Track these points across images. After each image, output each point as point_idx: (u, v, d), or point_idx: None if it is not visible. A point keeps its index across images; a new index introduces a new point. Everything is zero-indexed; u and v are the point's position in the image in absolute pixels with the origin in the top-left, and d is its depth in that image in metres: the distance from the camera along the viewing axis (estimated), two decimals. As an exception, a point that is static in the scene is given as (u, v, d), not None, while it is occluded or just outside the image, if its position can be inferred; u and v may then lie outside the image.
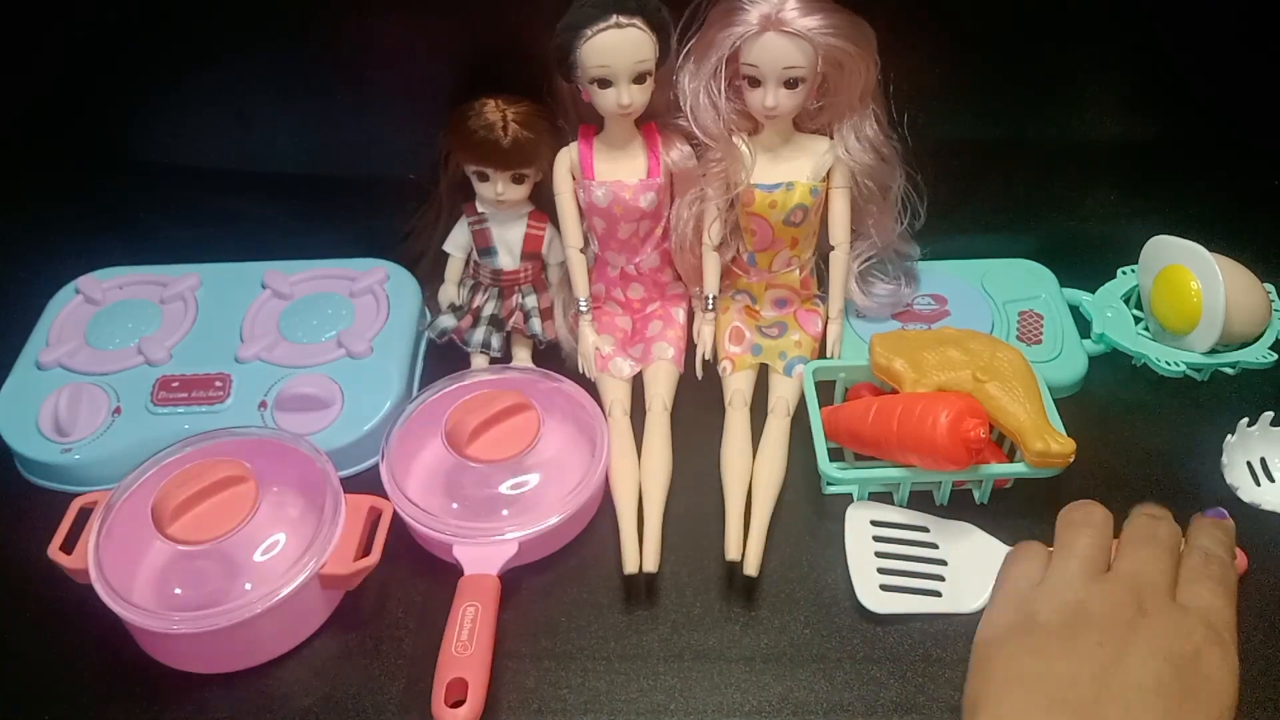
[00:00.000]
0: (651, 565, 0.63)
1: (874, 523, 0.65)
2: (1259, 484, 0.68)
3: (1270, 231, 0.82)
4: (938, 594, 0.62)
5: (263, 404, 0.70)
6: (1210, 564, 0.52)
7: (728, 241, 0.75)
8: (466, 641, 0.57)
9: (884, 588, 0.62)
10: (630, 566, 0.62)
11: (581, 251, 0.74)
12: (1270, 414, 0.68)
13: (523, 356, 0.77)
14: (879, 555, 0.63)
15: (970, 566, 0.62)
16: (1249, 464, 0.69)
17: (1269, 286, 0.75)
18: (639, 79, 0.67)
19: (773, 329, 0.76)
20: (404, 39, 0.77)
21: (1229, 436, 0.68)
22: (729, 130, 0.70)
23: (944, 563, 0.63)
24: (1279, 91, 0.80)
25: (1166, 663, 0.47)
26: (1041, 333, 0.75)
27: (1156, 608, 0.49)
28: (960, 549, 0.64)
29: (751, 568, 0.62)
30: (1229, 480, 0.67)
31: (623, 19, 0.64)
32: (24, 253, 0.85)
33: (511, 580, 0.63)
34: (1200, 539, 0.53)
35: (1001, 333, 0.75)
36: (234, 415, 0.70)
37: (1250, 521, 0.65)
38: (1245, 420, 0.68)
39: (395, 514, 0.63)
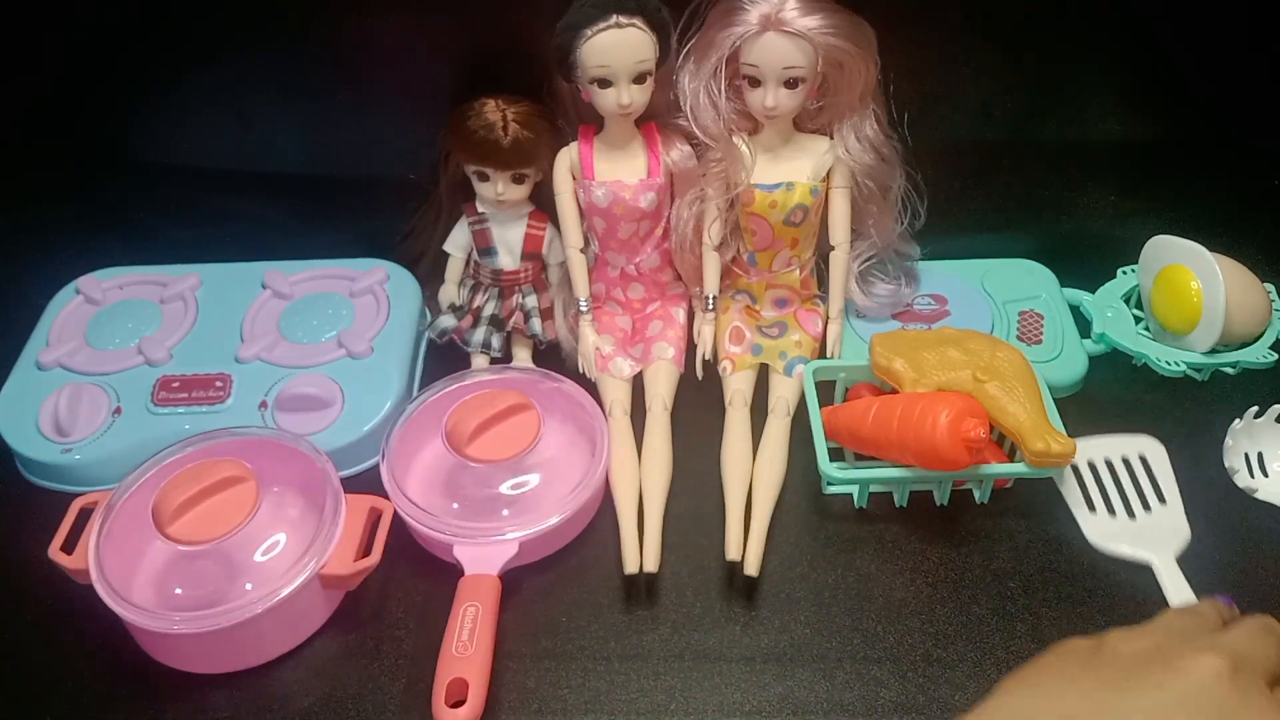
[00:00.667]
0: (652, 565, 0.63)
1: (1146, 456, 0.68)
2: (1253, 475, 0.68)
3: (1270, 231, 0.82)
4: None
5: (263, 404, 0.70)
6: None
7: (728, 241, 0.75)
8: (467, 641, 0.57)
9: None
10: (630, 566, 0.62)
11: (582, 251, 0.74)
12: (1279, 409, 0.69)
13: (523, 356, 0.77)
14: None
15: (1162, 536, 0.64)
16: (1246, 455, 0.69)
17: (1269, 286, 0.75)
18: (639, 79, 0.67)
19: (773, 329, 0.76)
20: (404, 39, 0.77)
21: (1236, 420, 0.68)
22: (729, 130, 0.70)
23: (1146, 507, 0.66)
24: (1279, 91, 0.80)
25: None
26: (1041, 333, 0.75)
27: (1248, 685, 0.43)
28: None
29: (751, 568, 0.62)
30: (1227, 463, 0.68)
31: (623, 19, 0.64)
32: (24, 253, 0.85)
33: (512, 580, 0.63)
34: None
35: (1001, 333, 0.75)
36: (234, 415, 0.70)
37: (1243, 508, 0.66)
38: (1254, 409, 0.69)
39: (395, 514, 0.63)
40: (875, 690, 0.58)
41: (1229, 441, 0.68)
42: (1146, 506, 0.66)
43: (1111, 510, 0.66)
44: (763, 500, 0.66)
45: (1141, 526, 0.65)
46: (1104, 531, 0.65)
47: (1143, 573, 0.63)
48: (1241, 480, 0.67)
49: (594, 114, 0.70)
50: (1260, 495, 0.67)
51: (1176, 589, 0.61)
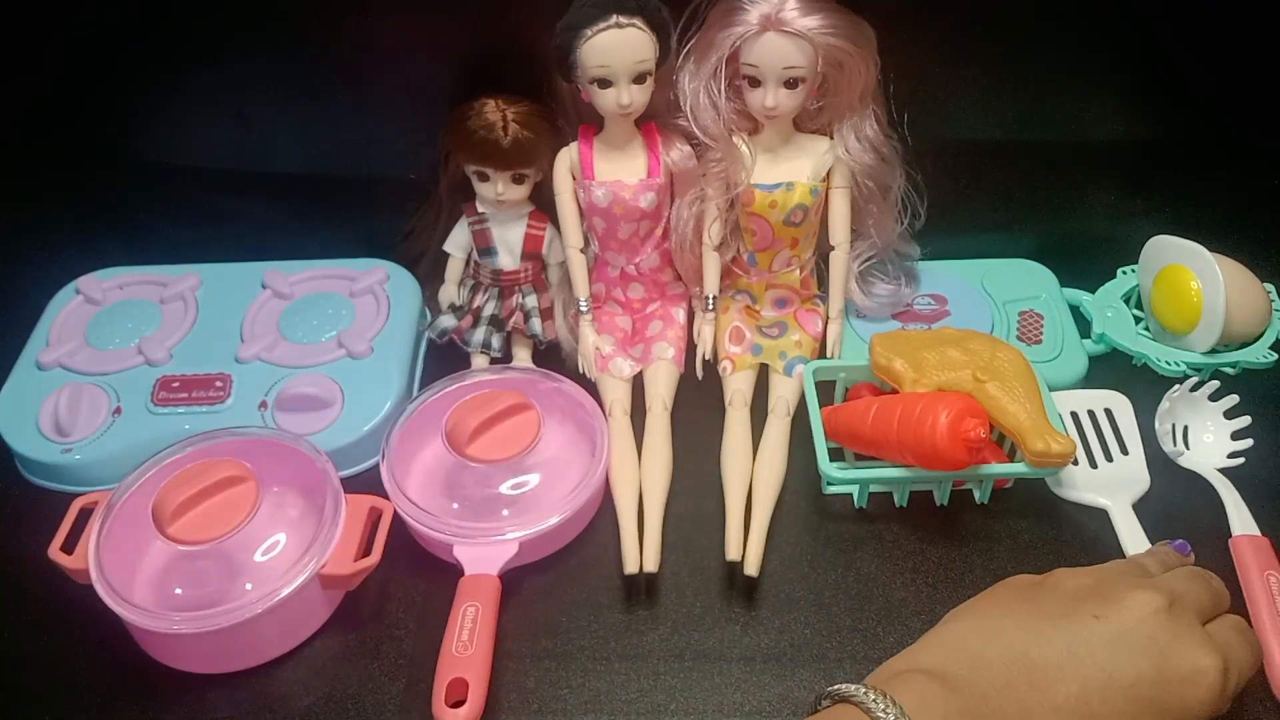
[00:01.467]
0: (652, 565, 0.63)
1: None
2: (1175, 444, 0.69)
3: (1270, 231, 0.82)
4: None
5: (263, 404, 0.70)
6: (1251, 634, 0.49)
7: (728, 241, 0.75)
8: (467, 642, 0.57)
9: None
10: (630, 566, 0.62)
11: (582, 251, 0.74)
12: (1215, 384, 0.69)
13: (523, 356, 0.77)
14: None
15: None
16: (1173, 425, 0.70)
17: (1269, 286, 0.75)
18: (639, 79, 0.67)
19: (773, 329, 0.76)
20: (404, 39, 0.77)
21: (1175, 388, 0.69)
22: (729, 130, 0.70)
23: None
24: (1279, 91, 0.80)
25: (1154, 668, 0.44)
26: (1041, 333, 0.75)
27: (1180, 617, 0.46)
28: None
29: (751, 568, 0.62)
30: (1158, 427, 0.69)
31: (623, 19, 0.64)
32: (24, 253, 0.85)
33: (512, 580, 0.63)
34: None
35: (1001, 333, 0.75)
36: (234, 415, 0.70)
37: (1165, 468, 0.68)
38: (1193, 381, 0.69)
39: (395, 514, 0.63)
40: (875, 690, 0.58)
41: (1165, 405, 0.69)
42: (1109, 457, 0.69)
43: (1074, 460, 0.67)
44: (763, 500, 0.66)
45: (1103, 475, 0.68)
46: (1067, 479, 0.67)
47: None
48: (1166, 445, 0.68)
49: (594, 114, 0.70)
50: (1183, 463, 0.68)
51: (1131, 535, 0.63)
